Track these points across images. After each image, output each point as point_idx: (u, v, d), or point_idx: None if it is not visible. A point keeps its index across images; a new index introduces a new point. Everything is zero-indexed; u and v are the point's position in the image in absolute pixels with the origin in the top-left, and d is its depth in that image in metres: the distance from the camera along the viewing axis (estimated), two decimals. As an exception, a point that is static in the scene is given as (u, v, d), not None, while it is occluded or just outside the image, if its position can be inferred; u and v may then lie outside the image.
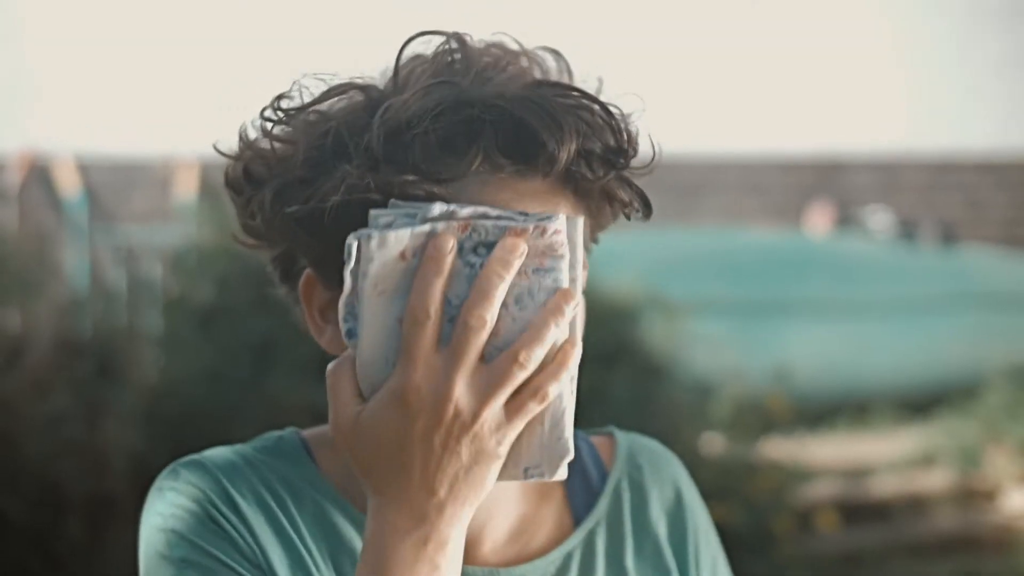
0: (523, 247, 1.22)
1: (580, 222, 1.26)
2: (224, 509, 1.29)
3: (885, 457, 6.93)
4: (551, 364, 1.20)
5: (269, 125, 1.35)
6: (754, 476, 5.63)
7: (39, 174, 7.51)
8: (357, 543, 1.33)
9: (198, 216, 6.06)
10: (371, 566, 1.19)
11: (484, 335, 1.18)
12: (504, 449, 1.20)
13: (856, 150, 12.54)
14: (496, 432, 1.19)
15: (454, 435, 1.18)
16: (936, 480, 6.77)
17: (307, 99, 1.35)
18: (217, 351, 4.88)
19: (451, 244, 1.21)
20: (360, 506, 1.34)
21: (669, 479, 1.47)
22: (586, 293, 1.32)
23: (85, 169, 7.86)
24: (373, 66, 1.38)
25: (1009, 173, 12.70)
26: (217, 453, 1.33)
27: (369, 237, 1.24)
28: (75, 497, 4.67)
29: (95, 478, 4.67)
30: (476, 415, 1.18)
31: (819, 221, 11.23)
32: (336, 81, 1.36)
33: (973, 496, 6.75)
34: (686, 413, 5.69)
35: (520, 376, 1.19)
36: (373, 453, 1.20)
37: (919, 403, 7.79)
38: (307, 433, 1.40)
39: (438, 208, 1.25)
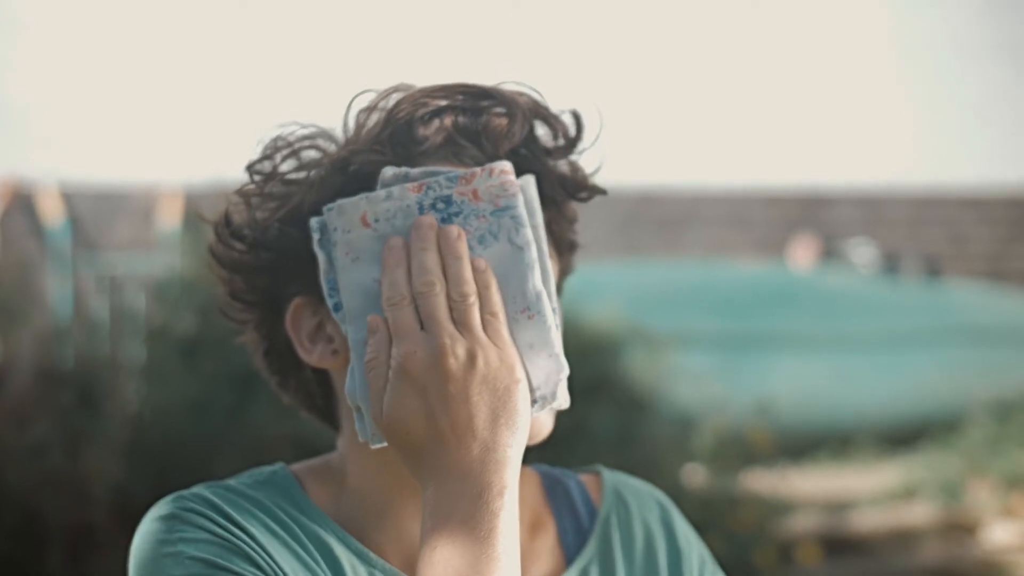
0: (432, 220, 1.29)
1: (532, 179, 1.34)
2: (232, 528, 1.28)
3: (867, 490, 6.93)
4: (480, 284, 1.27)
5: (247, 197, 1.39)
6: (736, 508, 5.62)
7: (22, 202, 7.50)
8: (358, 571, 1.34)
9: (182, 245, 6.05)
10: (437, 536, 1.21)
11: (437, 293, 1.25)
12: (518, 372, 1.26)
13: (840, 184, 12.58)
14: (499, 362, 1.25)
15: (466, 383, 1.23)
16: (918, 513, 6.77)
17: (274, 152, 1.39)
18: (200, 381, 4.87)
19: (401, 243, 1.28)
20: (356, 535, 1.34)
21: (657, 515, 1.48)
22: (569, 325, 1.35)
23: (68, 197, 7.85)
24: (368, 83, 1.41)
25: (992, 208, 12.75)
26: (210, 486, 1.33)
27: (328, 209, 1.31)
28: (56, 528, 4.65)
29: (76, 508, 4.65)
30: (473, 355, 1.23)
31: (803, 254, 11.25)
32: (298, 133, 1.40)
33: (955, 530, 6.74)
34: (668, 445, 5.69)
35: (471, 305, 1.26)
36: (406, 436, 1.24)
37: (901, 436, 7.79)
38: (295, 468, 1.41)
39: (390, 171, 1.32)
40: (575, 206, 1.43)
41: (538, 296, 1.29)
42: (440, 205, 1.29)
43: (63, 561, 4.64)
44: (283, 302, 1.40)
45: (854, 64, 13.00)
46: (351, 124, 1.38)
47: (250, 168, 1.39)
